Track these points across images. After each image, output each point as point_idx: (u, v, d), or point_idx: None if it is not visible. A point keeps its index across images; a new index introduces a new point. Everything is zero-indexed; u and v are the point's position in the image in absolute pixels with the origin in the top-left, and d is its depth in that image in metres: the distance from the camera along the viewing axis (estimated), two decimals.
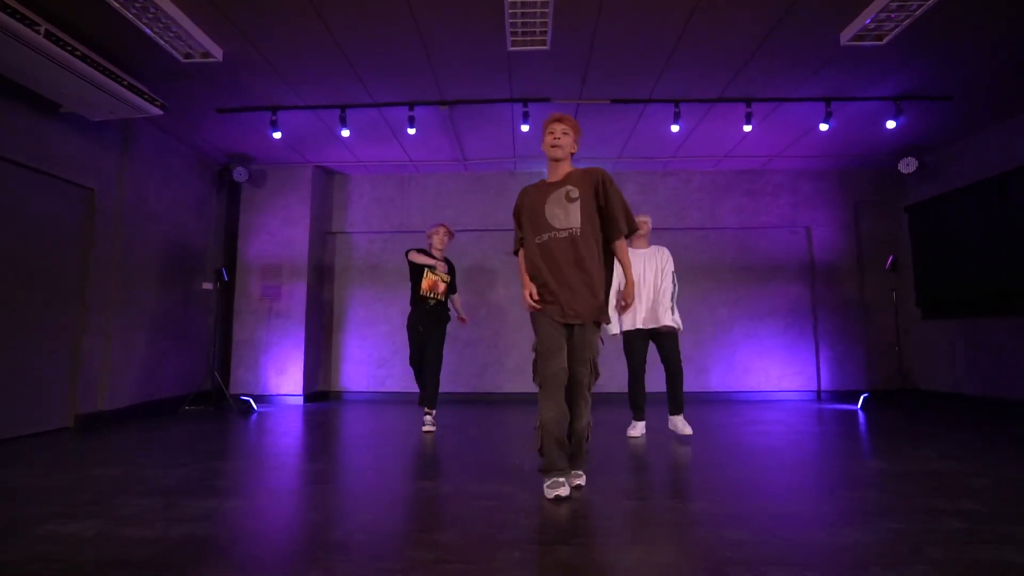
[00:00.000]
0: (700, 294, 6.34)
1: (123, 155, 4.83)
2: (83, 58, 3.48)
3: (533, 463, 2.76)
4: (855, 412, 5.19)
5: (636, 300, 3.88)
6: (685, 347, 6.19)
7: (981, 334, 5.40)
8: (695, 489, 2.49)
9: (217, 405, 5.67)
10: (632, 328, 3.89)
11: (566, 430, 2.36)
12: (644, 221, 4.01)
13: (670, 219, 6.39)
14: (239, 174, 5.96)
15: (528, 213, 2.54)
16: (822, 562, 1.62)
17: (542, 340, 2.39)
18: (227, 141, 5.59)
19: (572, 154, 2.56)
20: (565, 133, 2.51)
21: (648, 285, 3.89)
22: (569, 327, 2.42)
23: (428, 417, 4.26)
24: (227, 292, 6.25)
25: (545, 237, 2.45)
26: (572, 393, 2.41)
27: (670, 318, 3.81)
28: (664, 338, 3.87)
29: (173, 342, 5.50)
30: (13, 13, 3.06)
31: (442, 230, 4.47)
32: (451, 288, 4.46)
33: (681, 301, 6.55)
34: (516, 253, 2.65)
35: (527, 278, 2.48)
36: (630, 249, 3.66)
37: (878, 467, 2.88)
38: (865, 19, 3.47)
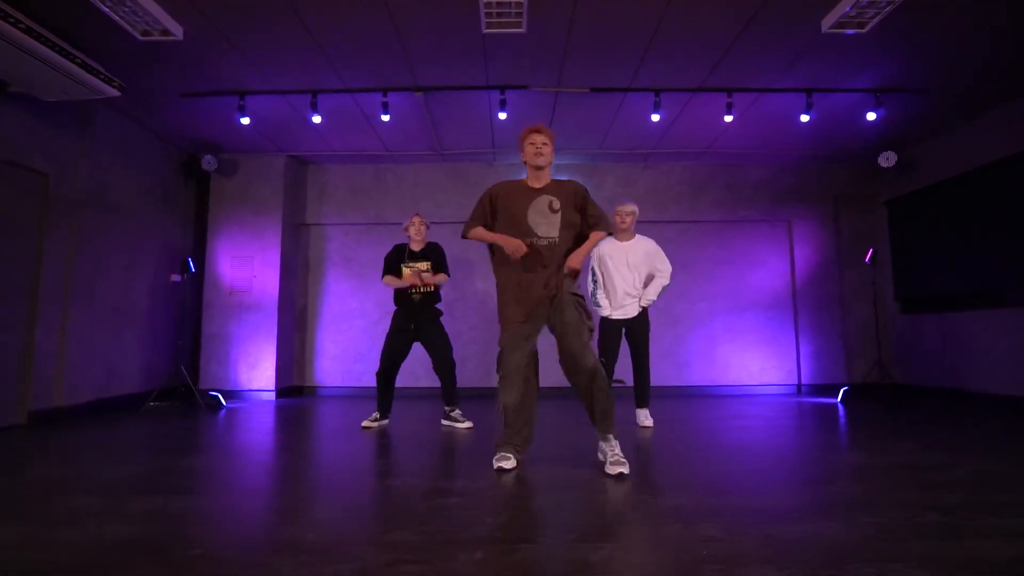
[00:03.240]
0: (680, 288, 6.28)
1: (80, 140, 4.61)
2: (28, 31, 3.27)
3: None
4: (835, 406, 5.17)
5: (611, 292, 3.86)
6: (666, 341, 6.17)
7: (959, 329, 5.42)
8: (670, 484, 2.40)
9: (184, 401, 5.47)
10: (608, 319, 3.85)
11: (524, 414, 2.63)
12: (631, 212, 3.92)
13: (651, 212, 6.31)
14: (207, 163, 5.75)
15: (507, 214, 2.65)
16: (800, 558, 1.53)
17: (507, 336, 2.59)
18: (193, 128, 5.37)
19: (550, 163, 2.69)
20: (545, 143, 2.63)
21: (623, 277, 3.83)
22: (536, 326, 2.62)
23: (457, 412, 3.99)
24: (196, 284, 6.04)
25: (528, 242, 2.58)
26: (580, 380, 2.50)
27: (638, 306, 3.83)
28: (635, 325, 3.84)
29: (137, 336, 5.29)
30: None
31: (417, 220, 4.19)
32: (439, 267, 4.10)
33: (661, 294, 6.49)
34: (465, 236, 2.72)
35: (499, 236, 2.60)
36: (613, 240, 3.87)
37: (856, 460, 2.83)
38: (846, 6, 3.41)
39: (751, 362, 6.29)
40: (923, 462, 2.74)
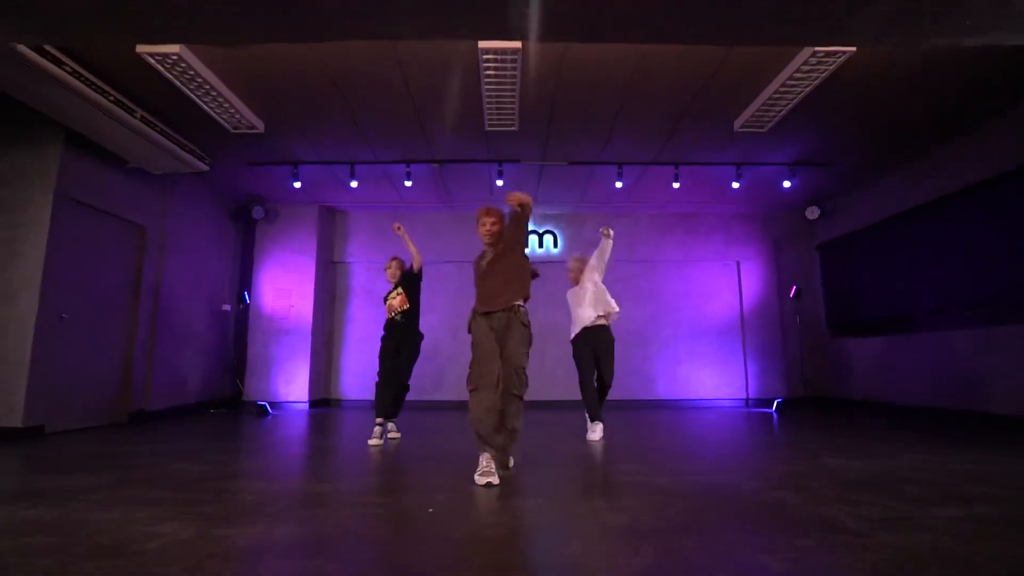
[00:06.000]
0: (648, 315, 7.50)
1: (166, 199, 5.85)
2: (162, 132, 4.55)
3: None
4: (771, 414, 6.35)
5: (582, 317, 4.57)
6: (635, 360, 7.37)
7: (874, 350, 6.64)
8: (636, 457, 3.57)
9: (236, 409, 6.60)
10: (580, 337, 4.50)
11: (495, 421, 2.79)
12: (569, 268, 4.59)
13: (622, 253, 7.57)
14: (257, 212, 7.00)
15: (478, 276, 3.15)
16: (703, 492, 2.70)
17: (476, 343, 2.96)
18: (250, 186, 6.65)
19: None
20: (483, 224, 3.06)
21: (585, 311, 4.52)
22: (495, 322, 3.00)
23: (391, 425, 4.37)
24: (242, 312, 7.22)
25: (480, 278, 3.10)
26: (514, 385, 2.90)
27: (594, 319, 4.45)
28: (605, 347, 4.48)
29: (197, 355, 6.44)
30: (116, 102, 4.13)
31: (392, 263, 4.56)
32: (410, 276, 4.43)
33: (632, 320, 7.71)
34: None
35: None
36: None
37: (767, 445, 4.01)
38: (749, 113, 4.73)
39: (707, 379, 7.48)
40: (809, 443, 3.93)
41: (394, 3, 2.18)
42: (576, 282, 4.62)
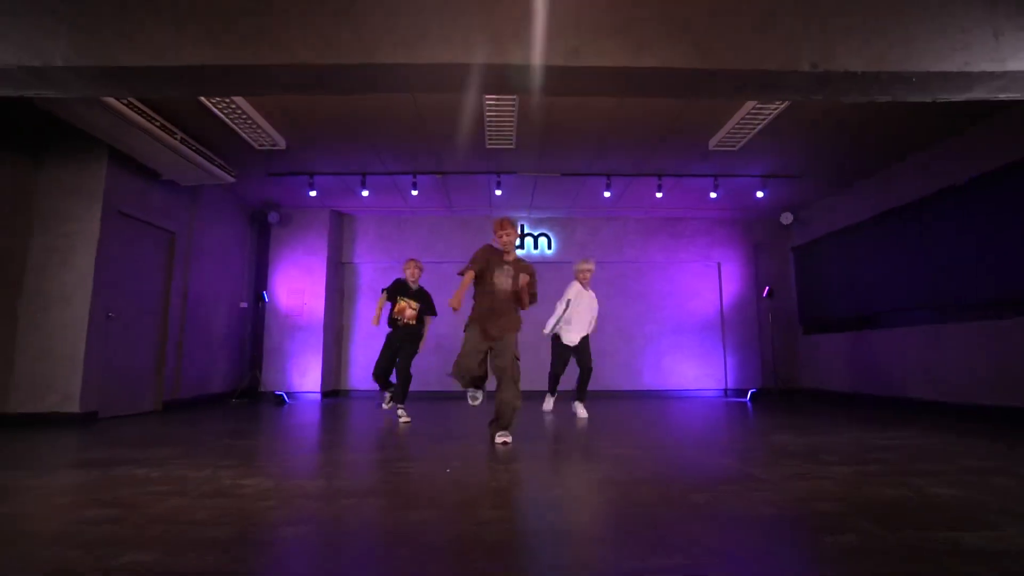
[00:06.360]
0: (635, 313, 8.11)
1: (194, 207, 6.40)
2: (197, 151, 5.10)
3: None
4: (745, 403, 6.97)
5: (576, 325, 5.33)
6: (623, 354, 7.99)
7: (842, 346, 7.26)
8: (623, 441, 4.16)
9: (256, 398, 7.17)
10: (563, 342, 5.34)
11: (472, 374, 3.67)
12: (588, 269, 5.33)
13: (612, 254, 8.18)
14: (273, 217, 7.55)
15: (488, 271, 3.79)
16: (677, 467, 3.30)
17: (465, 345, 3.69)
18: (267, 194, 7.19)
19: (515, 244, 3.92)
20: (508, 234, 3.78)
21: (582, 319, 5.29)
22: (491, 341, 3.72)
23: (401, 410, 4.92)
24: (259, 309, 7.78)
25: (490, 291, 3.78)
26: (502, 379, 3.62)
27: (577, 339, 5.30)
28: (582, 346, 5.33)
29: (219, 349, 7.01)
30: (162, 127, 4.67)
31: (412, 264, 5.07)
32: (427, 310, 5.03)
33: (620, 317, 8.31)
34: (462, 274, 3.81)
35: (463, 291, 3.67)
36: (577, 287, 5.29)
37: (739, 429, 4.62)
38: (720, 136, 5.32)
39: (689, 371, 8.10)
40: (767, 425, 4.54)
41: (411, 80, 2.78)
42: (586, 284, 5.28)
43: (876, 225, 6.51)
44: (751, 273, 8.32)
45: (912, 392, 5.92)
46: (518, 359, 3.71)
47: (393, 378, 5.03)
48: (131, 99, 4.31)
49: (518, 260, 3.91)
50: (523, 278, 3.76)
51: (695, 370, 8.12)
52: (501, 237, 3.79)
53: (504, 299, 3.75)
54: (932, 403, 5.63)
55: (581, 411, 5.26)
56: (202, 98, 4.47)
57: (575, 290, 5.27)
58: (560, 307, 5.25)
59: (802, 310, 8.05)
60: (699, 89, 2.97)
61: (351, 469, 2.80)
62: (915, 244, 5.93)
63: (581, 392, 5.36)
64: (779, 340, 8.05)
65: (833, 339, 7.39)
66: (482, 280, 3.82)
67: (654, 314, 8.22)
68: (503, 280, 3.77)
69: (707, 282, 8.35)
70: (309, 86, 2.93)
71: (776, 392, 7.84)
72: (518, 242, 8.20)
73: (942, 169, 5.56)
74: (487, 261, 3.81)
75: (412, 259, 5.15)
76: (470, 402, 3.94)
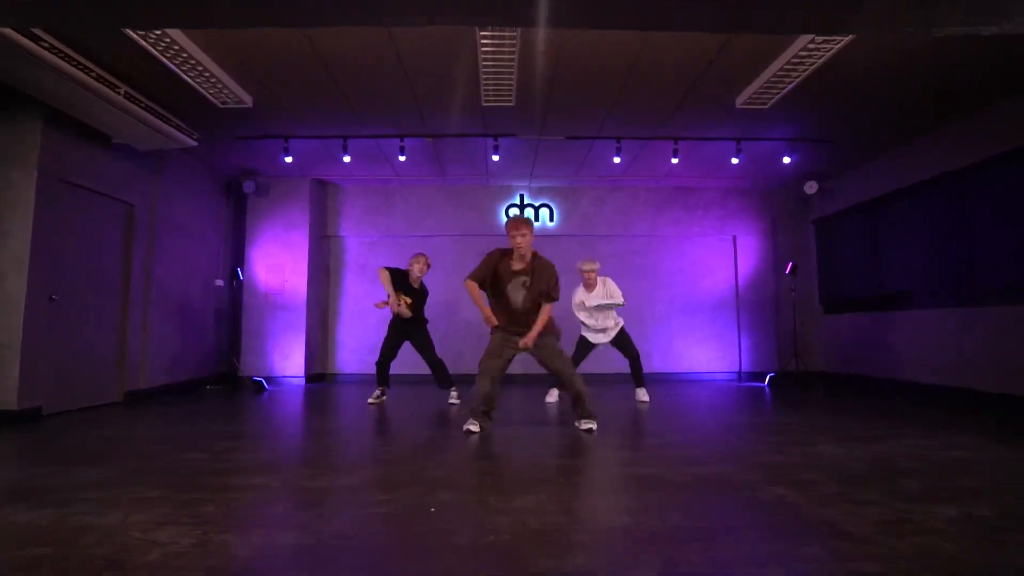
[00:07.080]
0: (644, 291, 7.52)
1: (156, 176, 5.71)
2: (147, 108, 4.40)
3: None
4: (763, 388, 6.45)
5: (593, 326, 5.23)
6: (632, 335, 7.35)
7: (866, 327, 6.70)
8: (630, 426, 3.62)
9: (233, 385, 6.62)
10: (586, 338, 5.28)
11: (490, 402, 3.63)
12: (589, 270, 5.09)
13: (618, 228, 7.54)
14: (248, 187, 6.87)
15: (498, 283, 3.67)
16: (689, 457, 2.76)
17: (491, 345, 3.72)
18: (240, 160, 6.49)
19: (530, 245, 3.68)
20: (524, 236, 3.55)
21: (593, 316, 5.16)
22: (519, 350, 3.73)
23: (454, 393, 5.17)
24: (236, 287, 7.16)
25: (505, 306, 3.70)
26: (562, 379, 3.80)
27: (608, 336, 5.22)
28: (618, 339, 5.28)
29: (192, 332, 6.42)
30: (99, 78, 3.97)
31: (422, 259, 5.14)
32: (417, 311, 5.07)
33: (628, 296, 7.82)
34: (465, 282, 3.70)
35: (487, 309, 3.70)
36: (583, 291, 5.15)
37: (754, 417, 4.08)
38: (751, 91, 4.62)
39: (701, 353, 7.56)
40: (815, 432, 4.00)
41: None
42: (592, 287, 5.15)
43: (912, 195, 5.88)
44: (769, 247, 7.71)
45: (941, 380, 5.38)
46: (564, 353, 3.78)
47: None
48: (58, 44, 3.61)
49: (536, 257, 3.69)
50: (542, 316, 3.64)
51: (707, 352, 7.58)
52: (515, 239, 3.56)
53: (524, 313, 3.66)
54: (957, 390, 5.11)
55: (642, 395, 5.34)
56: (145, 44, 3.76)
57: (580, 296, 5.18)
58: (580, 315, 5.25)
59: (822, 288, 7.46)
60: (750, 15, 2.29)
61: (331, 511, 2.24)
62: (955, 218, 5.31)
63: (637, 378, 5.41)
64: (798, 320, 7.48)
65: (857, 319, 6.83)
66: (495, 291, 3.67)
67: (664, 292, 7.63)
68: (517, 295, 3.66)
69: (721, 258, 7.74)
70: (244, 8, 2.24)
71: (796, 376, 7.30)
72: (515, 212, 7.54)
73: (994, 133, 4.91)
74: (495, 272, 3.65)
75: (422, 254, 5.18)
76: (467, 427, 3.61)
